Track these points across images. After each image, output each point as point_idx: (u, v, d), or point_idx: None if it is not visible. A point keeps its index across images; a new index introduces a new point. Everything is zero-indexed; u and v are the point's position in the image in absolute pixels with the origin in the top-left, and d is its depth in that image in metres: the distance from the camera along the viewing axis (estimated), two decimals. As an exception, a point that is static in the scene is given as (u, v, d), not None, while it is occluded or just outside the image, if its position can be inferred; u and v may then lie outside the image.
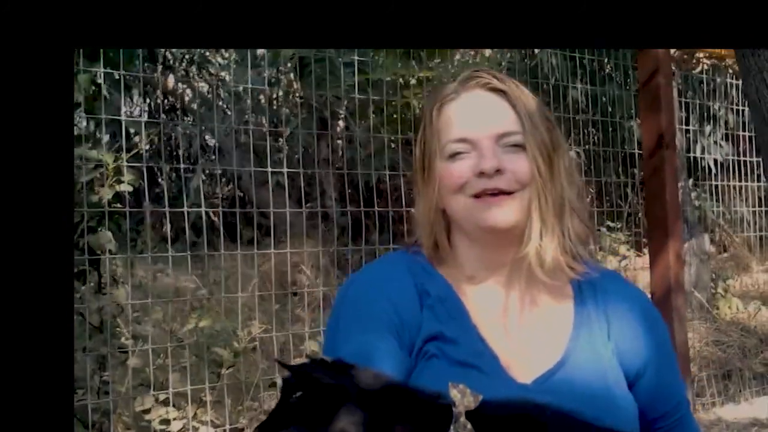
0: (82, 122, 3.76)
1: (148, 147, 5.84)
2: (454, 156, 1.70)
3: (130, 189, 3.69)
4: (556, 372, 1.68)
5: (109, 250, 3.65)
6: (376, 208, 4.92)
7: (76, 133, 3.66)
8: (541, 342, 1.72)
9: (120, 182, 3.64)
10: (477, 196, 1.68)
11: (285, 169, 4.76)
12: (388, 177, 5.03)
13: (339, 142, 6.42)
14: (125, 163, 3.65)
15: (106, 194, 3.61)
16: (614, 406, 1.67)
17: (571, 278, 1.76)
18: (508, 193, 1.68)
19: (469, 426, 1.45)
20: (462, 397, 1.46)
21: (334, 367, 1.44)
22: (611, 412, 1.63)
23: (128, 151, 3.77)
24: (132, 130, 4.40)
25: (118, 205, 3.72)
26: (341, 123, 6.79)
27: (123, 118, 3.58)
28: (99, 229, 3.63)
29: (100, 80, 3.64)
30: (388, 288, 1.71)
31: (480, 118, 1.72)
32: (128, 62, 3.92)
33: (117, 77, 3.73)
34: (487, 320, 1.72)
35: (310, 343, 4.18)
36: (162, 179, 6.30)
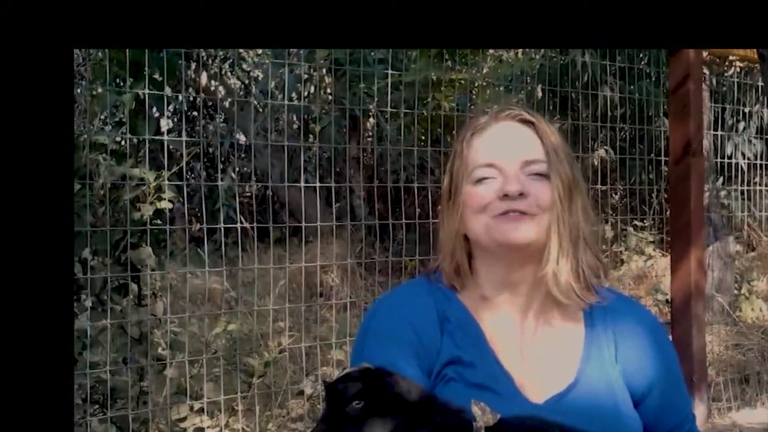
0: (125, 140, 3.87)
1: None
2: (480, 180, 1.80)
3: (170, 206, 3.81)
4: (568, 393, 1.78)
5: (150, 267, 3.77)
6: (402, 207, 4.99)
7: (120, 150, 3.78)
8: (553, 363, 1.82)
9: (161, 199, 3.76)
10: (498, 216, 1.77)
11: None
12: (416, 176, 5.10)
13: (369, 140, 6.49)
14: (166, 182, 3.76)
15: (147, 211, 3.73)
16: (621, 425, 1.78)
17: (582, 305, 1.85)
18: (530, 215, 1.77)
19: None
20: (482, 414, 1.61)
21: (376, 375, 1.59)
22: (619, 431, 1.75)
23: (168, 168, 3.89)
24: (171, 147, 4.50)
25: (159, 221, 3.83)
26: (372, 121, 6.85)
27: (165, 138, 3.68)
28: (140, 245, 3.75)
29: (143, 98, 3.74)
30: (411, 314, 1.82)
31: (508, 146, 1.81)
32: (170, 76, 4.00)
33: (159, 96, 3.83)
34: (503, 343, 1.82)
35: (336, 352, 4.29)
36: (194, 177, 6.41)
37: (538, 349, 1.83)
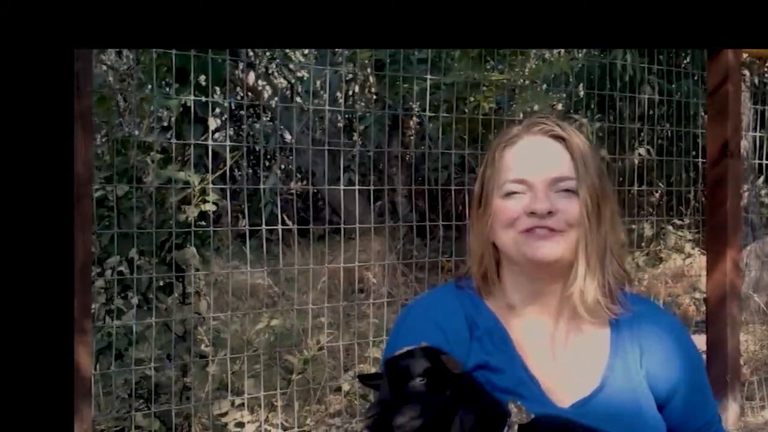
0: (172, 144, 4.00)
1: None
2: (509, 195, 1.87)
3: (214, 208, 3.94)
4: (593, 397, 1.86)
5: (194, 266, 3.90)
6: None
7: (167, 154, 3.92)
8: (579, 369, 1.90)
9: (205, 201, 3.89)
10: (526, 231, 1.85)
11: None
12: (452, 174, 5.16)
13: (411, 139, 6.59)
14: (210, 185, 3.89)
15: (192, 213, 3.87)
16: (645, 428, 1.86)
17: (609, 317, 1.92)
18: (558, 231, 1.84)
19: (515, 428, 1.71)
20: (518, 412, 1.73)
21: (435, 353, 1.72)
22: None
23: (215, 167, 4.02)
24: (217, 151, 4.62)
25: (203, 223, 3.97)
26: (414, 121, 6.94)
27: (210, 143, 3.80)
28: (185, 245, 3.89)
29: (191, 104, 3.86)
30: (441, 319, 1.90)
31: (538, 163, 1.87)
32: (216, 80, 4.12)
33: (204, 101, 3.95)
34: (530, 349, 1.90)
35: (373, 350, 4.39)
36: (239, 175, 6.53)
37: (564, 355, 1.90)
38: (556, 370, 1.89)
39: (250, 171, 5.05)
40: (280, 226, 4.05)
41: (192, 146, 3.89)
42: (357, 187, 4.54)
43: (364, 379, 1.82)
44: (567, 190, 1.85)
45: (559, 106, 6.41)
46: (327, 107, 5.97)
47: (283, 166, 6.23)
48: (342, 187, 4.75)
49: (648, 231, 6.50)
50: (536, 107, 6.04)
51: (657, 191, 7.30)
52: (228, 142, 3.91)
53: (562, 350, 1.90)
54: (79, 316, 2.96)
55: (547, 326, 1.92)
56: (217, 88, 5.15)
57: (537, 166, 1.87)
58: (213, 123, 4.03)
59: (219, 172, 4.13)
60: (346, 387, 4.27)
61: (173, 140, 3.94)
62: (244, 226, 4.63)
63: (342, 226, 4.24)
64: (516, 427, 1.73)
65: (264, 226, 4.16)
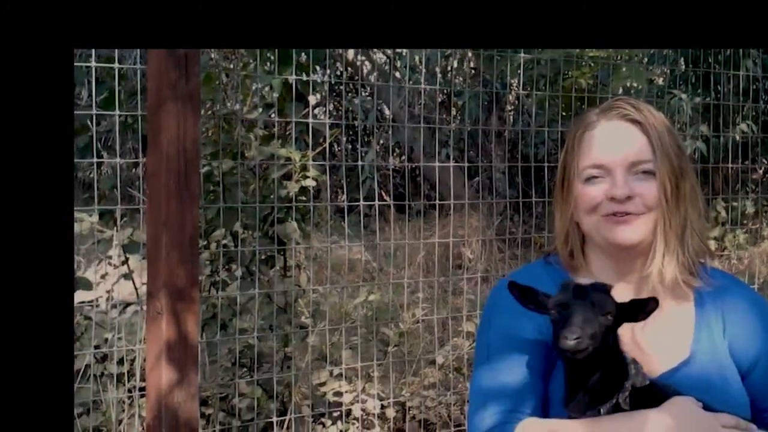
0: (274, 122, 4.11)
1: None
2: (590, 179, 1.96)
3: (314, 184, 4.05)
4: (680, 369, 1.94)
5: (295, 240, 4.02)
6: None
7: (268, 132, 4.03)
8: (666, 342, 1.97)
9: (305, 177, 4.00)
10: (606, 216, 1.93)
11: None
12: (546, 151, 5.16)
13: (509, 115, 6.60)
14: (311, 162, 3.99)
15: (293, 188, 3.98)
16: (730, 398, 1.91)
17: (691, 290, 1.99)
18: (637, 214, 1.93)
19: (628, 392, 1.79)
20: (635, 374, 1.79)
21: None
22: (728, 404, 1.88)
23: (315, 143, 4.13)
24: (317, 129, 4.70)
25: (303, 198, 4.08)
26: (512, 97, 6.95)
27: (310, 120, 3.90)
28: (286, 219, 4.01)
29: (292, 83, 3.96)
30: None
31: (615, 147, 1.95)
32: (316, 59, 4.21)
33: (305, 79, 4.05)
34: None
35: (467, 324, 4.45)
36: (339, 150, 6.62)
37: (651, 329, 1.97)
38: (642, 344, 1.96)
39: (349, 147, 5.12)
40: (377, 202, 4.13)
41: (293, 123, 3.99)
42: (453, 164, 4.58)
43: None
44: (645, 172, 1.93)
45: (660, 81, 6.33)
46: (424, 84, 6.01)
47: (381, 142, 6.29)
48: (439, 163, 4.80)
49: (750, 208, 6.38)
50: (635, 83, 6.00)
51: (759, 168, 7.16)
52: (328, 120, 3.98)
53: (648, 324, 1.95)
54: (187, 286, 3.09)
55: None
56: (317, 68, 5.24)
57: (614, 151, 1.94)
58: (313, 99, 4.12)
59: (319, 149, 4.23)
60: (440, 360, 4.35)
61: (275, 117, 4.05)
62: (343, 201, 4.72)
63: (438, 202, 4.28)
64: (629, 390, 1.80)
65: (362, 202, 4.25)
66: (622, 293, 1.96)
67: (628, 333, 1.95)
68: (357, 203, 4.22)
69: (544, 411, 1.91)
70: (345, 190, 4.60)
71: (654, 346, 1.96)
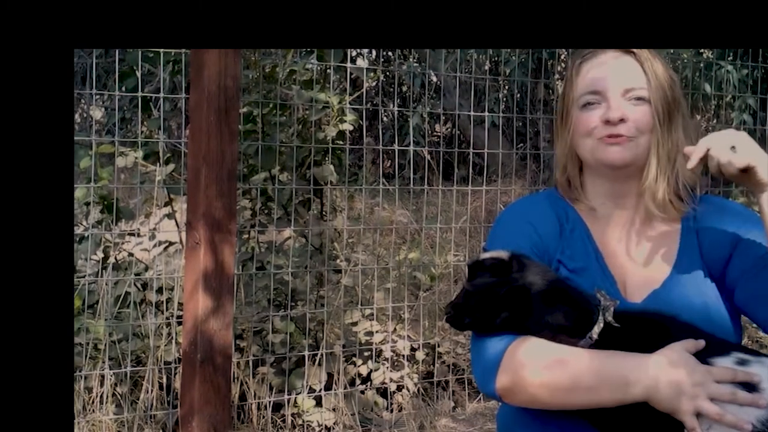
0: (313, 68, 4.22)
1: (374, 84, 6.28)
2: (586, 106, 2.07)
3: (351, 128, 4.16)
4: (661, 290, 2.03)
5: (330, 182, 4.13)
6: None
7: (308, 77, 4.14)
8: (651, 264, 2.07)
9: (343, 121, 4.12)
10: (602, 138, 2.04)
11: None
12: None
13: (557, 82, 6.63)
14: (348, 105, 4.11)
15: (330, 132, 4.10)
16: (710, 320, 1.98)
17: (679, 215, 2.08)
18: (629, 137, 2.03)
19: (611, 311, 1.90)
20: (604, 300, 1.93)
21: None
22: (708, 326, 1.94)
23: (351, 94, 4.24)
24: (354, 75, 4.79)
25: (340, 141, 4.20)
26: (560, 65, 6.98)
27: (348, 65, 4.01)
28: (323, 162, 4.13)
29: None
30: (533, 217, 2.11)
31: (611, 74, 2.07)
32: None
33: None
34: (609, 248, 2.10)
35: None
36: (385, 116, 6.71)
37: (638, 252, 2.09)
38: (630, 268, 2.07)
39: (397, 112, 5.22)
40: (412, 171, 4.22)
41: (332, 69, 4.11)
42: (499, 131, 4.62)
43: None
44: (639, 98, 2.04)
45: (708, 53, 6.32)
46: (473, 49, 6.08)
47: (428, 108, 6.37)
48: (486, 129, 4.87)
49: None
50: (683, 54, 6.00)
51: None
52: (366, 64, 4.09)
53: (636, 248, 2.08)
54: (224, 218, 3.22)
55: (624, 225, 2.11)
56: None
57: (609, 78, 2.06)
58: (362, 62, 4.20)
59: (356, 94, 4.34)
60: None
61: (314, 63, 4.17)
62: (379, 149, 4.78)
63: (485, 164, 4.36)
64: (612, 309, 1.89)
65: (398, 147, 4.34)
66: (618, 219, 2.11)
67: (623, 247, 2.08)
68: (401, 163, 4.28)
69: None
70: (395, 154, 4.69)
71: (640, 270, 2.07)
